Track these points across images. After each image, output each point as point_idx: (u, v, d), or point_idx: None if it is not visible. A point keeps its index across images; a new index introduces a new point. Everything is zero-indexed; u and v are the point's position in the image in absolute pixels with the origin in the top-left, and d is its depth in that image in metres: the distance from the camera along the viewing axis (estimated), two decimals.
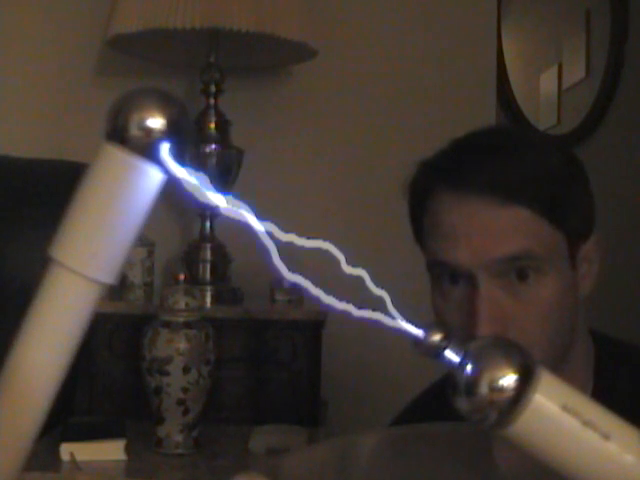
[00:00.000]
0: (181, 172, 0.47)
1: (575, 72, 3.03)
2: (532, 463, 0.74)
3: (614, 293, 2.49)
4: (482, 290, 0.83)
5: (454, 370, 0.50)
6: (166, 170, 0.48)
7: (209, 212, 1.90)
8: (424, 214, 0.91)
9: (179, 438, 1.53)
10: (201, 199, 0.47)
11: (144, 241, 1.82)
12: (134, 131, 0.47)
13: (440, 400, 0.86)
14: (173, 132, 0.47)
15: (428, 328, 0.51)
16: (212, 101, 1.90)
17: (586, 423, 0.48)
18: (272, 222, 0.47)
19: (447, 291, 0.87)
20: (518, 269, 0.84)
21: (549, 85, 3.15)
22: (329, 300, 0.47)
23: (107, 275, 0.48)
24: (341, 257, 0.48)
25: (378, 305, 0.50)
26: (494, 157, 0.87)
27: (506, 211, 0.85)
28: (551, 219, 0.85)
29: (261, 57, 2.03)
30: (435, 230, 0.89)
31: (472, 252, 0.84)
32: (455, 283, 0.86)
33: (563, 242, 0.87)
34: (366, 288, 0.49)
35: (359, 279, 0.48)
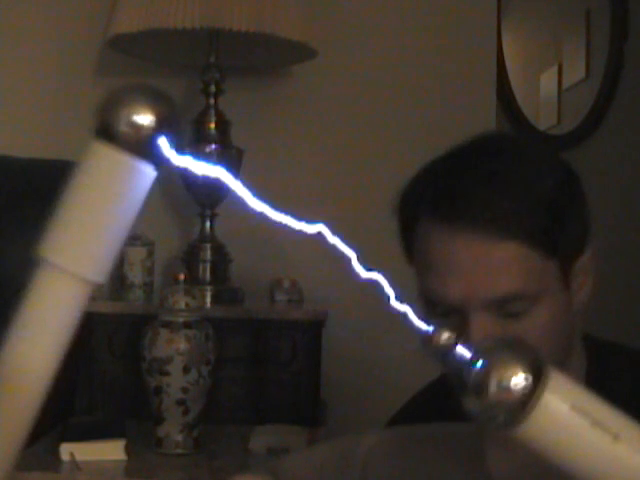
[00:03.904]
0: (180, 162, 0.46)
1: (575, 72, 3.03)
2: (523, 467, 0.75)
3: (614, 293, 2.49)
4: (474, 324, 0.81)
5: (463, 369, 0.49)
6: (157, 166, 0.48)
7: (209, 212, 1.90)
8: (413, 240, 0.87)
9: (179, 438, 1.53)
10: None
11: (144, 241, 1.82)
12: (123, 128, 0.46)
13: (437, 399, 0.86)
14: (162, 128, 0.47)
15: (437, 327, 0.50)
16: (212, 101, 1.90)
17: (596, 423, 0.48)
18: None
19: (439, 317, 0.84)
20: (511, 301, 0.81)
21: (549, 85, 3.15)
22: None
23: (96, 273, 0.48)
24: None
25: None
26: (486, 187, 0.83)
27: (499, 246, 0.81)
28: (545, 249, 0.83)
29: (261, 57, 2.03)
30: (424, 262, 0.85)
31: (463, 290, 0.81)
32: (446, 313, 0.83)
33: (556, 267, 0.84)
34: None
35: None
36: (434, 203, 0.84)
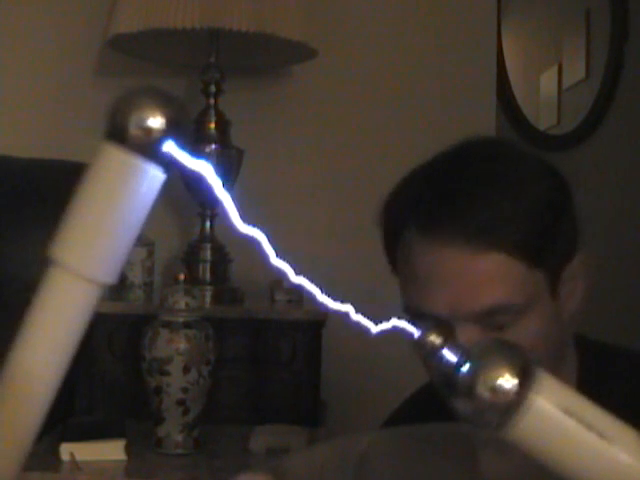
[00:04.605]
0: (187, 164, 0.47)
1: (575, 72, 3.03)
2: (516, 468, 0.75)
3: (615, 292, 2.49)
4: (461, 336, 0.80)
5: (452, 372, 0.49)
6: (166, 169, 0.48)
7: (209, 212, 1.90)
8: (397, 251, 0.86)
9: (179, 438, 1.53)
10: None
11: (144, 241, 1.82)
12: (134, 130, 0.46)
13: (434, 399, 0.86)
14: (173, 131, 0.47)
15: (425, 330, 0.51)
16: (212, 101, 1.89)
17: (588, 426, 0.48)
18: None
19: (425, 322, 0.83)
20: (498, 313, 0.81)
21: (549, 85, 3.15)
22: (339, 307, 0.47)
23: (107, 275, 0.48)
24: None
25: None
26: (470, 197, 0.81)
27: (483, 259, 0.80)
28: (531, 260, 0.81)
29: (261, 57, 2.03)
30: (409, 273, 0.84)
31: (448, 303, 0.80)
32: (433, 318, 0.82)
33: (543, 278, 0.83)
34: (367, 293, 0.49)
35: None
36: (417, 214, 0.83)
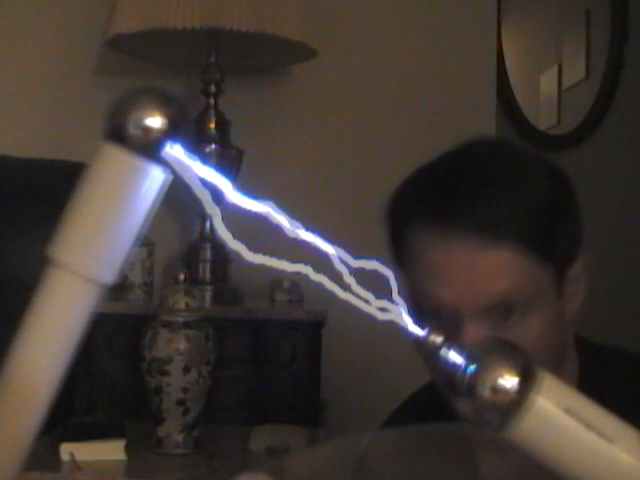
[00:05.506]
0: (185, 168, 0.47)
1: (575, 72, 3.03)
2: (515, 469, 0.75)
3: (615, 292, 2.49)
4: (467, 328, 0.81)
5: (455, 371, 0.49)
6: (166, 169, 0.48)
7: (209, 212, 1.90)
8: (404, 245, 0.87)
9: (179, 438, 1.53)
10: (204, 196, 0.47)
11: (144, 241, 1.82)
12: (133, 130, 0.46)
13: (435, 399, 0.86)
14: (172, 131, 0.47)
15: (429, 330, 0.51)
16: (212, 101, 1.90)
17: (589, 426, 0.48)
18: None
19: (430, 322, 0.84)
20: (503, 307, 0.82)
21: (549, 85, 3.15)
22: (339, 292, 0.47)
23: (106, 275, 0.48)
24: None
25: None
26: (479, 192, 0.83)
27: (492, 251, 0.81)
28: (539, 254, 0.82)
29: (261, 57, 2.03)
30: (416, 266, 0.85)
31: (456, 292, 0.81)
32: (439, 314, 0.83)
33: (549, 274, 0.84)
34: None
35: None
36: (424, 209, 0.84)
